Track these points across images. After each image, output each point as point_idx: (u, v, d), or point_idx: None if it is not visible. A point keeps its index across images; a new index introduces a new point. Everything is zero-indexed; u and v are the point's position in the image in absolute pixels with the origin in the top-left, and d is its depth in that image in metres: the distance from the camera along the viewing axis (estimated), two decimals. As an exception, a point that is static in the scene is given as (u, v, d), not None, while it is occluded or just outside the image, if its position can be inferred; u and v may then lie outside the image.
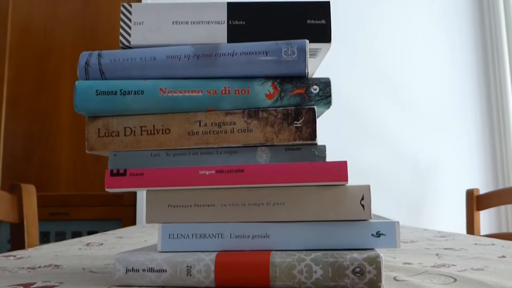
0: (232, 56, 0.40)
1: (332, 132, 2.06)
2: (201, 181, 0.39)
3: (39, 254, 0.64)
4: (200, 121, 0.40)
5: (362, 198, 0.38)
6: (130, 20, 0.43)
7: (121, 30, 0.42)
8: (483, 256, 0.54)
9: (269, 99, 0.40)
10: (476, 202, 1.30)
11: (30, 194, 0.97)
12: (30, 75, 2.12)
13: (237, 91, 0.40)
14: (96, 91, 0.40)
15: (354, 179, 1.97)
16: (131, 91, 0.40)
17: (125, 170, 0.40)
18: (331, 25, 0.42)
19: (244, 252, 0.38)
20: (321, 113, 0.42)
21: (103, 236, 0.96)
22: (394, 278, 0.41)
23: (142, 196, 1.99)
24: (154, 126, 0.40)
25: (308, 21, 0.42)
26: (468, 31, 2.22)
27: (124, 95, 0.40)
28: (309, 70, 0.40)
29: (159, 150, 0.41)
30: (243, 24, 0.42)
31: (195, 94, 0.40)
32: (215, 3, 0.43)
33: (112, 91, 0.40)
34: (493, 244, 0.67)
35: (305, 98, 0.40)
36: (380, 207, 2.00)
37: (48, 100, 2.10)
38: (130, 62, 0.40)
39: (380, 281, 0.35)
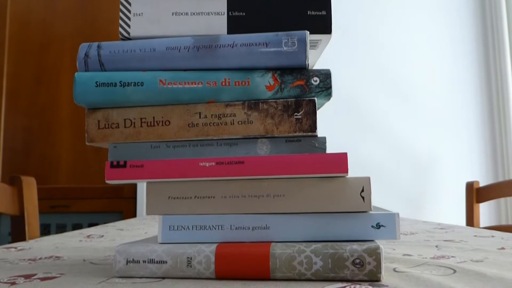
0: (232, 47, 0.40)
1: (333, 125, 2.06)
2: (201, 173, 0.39)
3: (40, 246, 0.64)
4: (200, 113, 0.40)
5: (362, 190, 0.38)
6: (129, 11, 0.42)
7: (120, 22, 0.42)
8: (482, 248, 0.55)
9: (269, 90, 0.39)
10: (476, 194, 1.30)
11: (30, 186, 0.97)
12: (29, 68, 2.12)
13: (237, 83, 0.39)
14: (96, 82, 0.40)
15: (354, 172, 1.97)
16: (131, 83, 0.40)
17: (125, 162, 0.40)
18: (332, 16, 0.42)
19: (244, 243, 0.38)
20: (321, 104, 0.42)
21: (104, 228, 0.96)
22: (394, 270, 0.41)
23: (142, 188, 1.99)
24: (154, 117, 0.40)
25: (308, 12, 0.42)
26: (469, 25, 2.21)
27: (124, 86, 0.40)
28: (309, 62, 0.40)
29: (159, 142, 0.41)
30: (243, 15, 0.42)
31: (195, 85, 0.40)
32: (215, -6, 0.42)
33: (112, 83, 0.40)
34: (492, 236, 0.67)
35: (306, 90, 0.39)
36: (380, 200, 2.01)
37: (48, 93, 2.10)
38: (129, 53, 0.40)
39: (380, 273, 0.36)
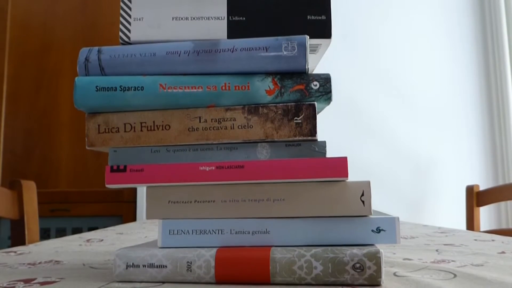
0: (232, 52, 0.40)
1: (332, 129, 2.06)
2: (201, 177, 0.39)
3: (40, 250, 0.64)
4: (200, 117, 0.40)
5: (362, 194, 0.38)
6: (130, 16, 0.42)
7: (120, 26, 0.42)
8: (483, 252, 0.55)
9: (269, 95, 0.40)
10: (476, 198, 1.30)
11: (30, 190, 0.97)
12: (30, 71, 2.12)
13: (237, 87, 0.40)
14: (96, 87, 0.40)
15: (354, 176, 1.97)
16: (131, 87, 0.40)
17: (125, 166, 0.40)
18: (332, 20, 0.42)
19: (244, 248, 0.38)
20: (321, 109, 0.42)
21: (104, 232, 0.96)
22: (394, 274, 0.41)
23: (142, 192, 1.99)
24: (154, 122, 0.40)
25: (308, 17, 0.42)
26: (468, 27, 2.21)
27: (124, 91, 0.40)
28: (309, 66, 0.40)
29: (159, 146, 0.41)
30: (243, 20, 0.42)
31: (195, 90, 0.40)
32: (215, -1, 0.42)
33: (112, 87, 0.40)
34: (493, 240, 0.67)
35: (305, 94, 0.40)
36: (380, 204, 2.00)
37: (48, 96, 2.10)
38: (129, 58, 0.40)
39: (380, 277, 0.35)
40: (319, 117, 0.41)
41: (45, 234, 1.97)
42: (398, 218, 0.38)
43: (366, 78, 2.14)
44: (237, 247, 0.38)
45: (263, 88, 0.40)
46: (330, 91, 0.40)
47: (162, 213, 0.40)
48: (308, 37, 0.40)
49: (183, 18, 0.42)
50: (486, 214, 2.06)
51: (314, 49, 0.44)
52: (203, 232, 0.39)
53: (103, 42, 2.10)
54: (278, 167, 0.38)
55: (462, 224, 1.90)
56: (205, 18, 0.42)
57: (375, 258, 0.36)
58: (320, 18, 0.42)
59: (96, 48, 0.41)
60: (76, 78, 0.41)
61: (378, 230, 0.38)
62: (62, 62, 2.12)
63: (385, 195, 2.04)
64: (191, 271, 0.37)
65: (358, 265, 0.36)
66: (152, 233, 0.94)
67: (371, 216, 0.38)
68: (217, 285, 0.37)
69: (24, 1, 2.16)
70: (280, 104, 0.39)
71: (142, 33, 0.42)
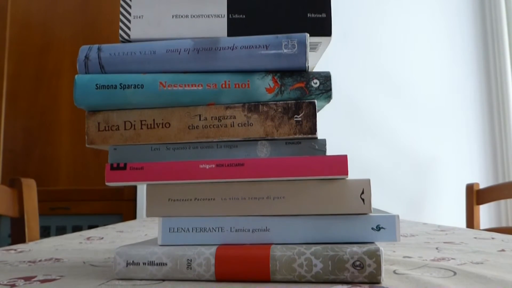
0: (232, 50, 0.40)
1: (333, 127, 2.06)
2: (201, 175, 0.39)
3: (40, 248, 0.64)
4: (200, 115, 0.40)
5: (362, 192, 0.38)
6: (129, 13, 0.42)
7: (120, 24, 0.42)
8: (482, 250, 0.55)
9: (269, 93, 0.40)
10: (476, 196, 1.30)
11: (30, 188, 0.97)
12: (29, 70, 2.12)
13: (237, 85, 0.40)
14: (96, 85, 0.40)
15: (354, 174, 1.96)
16: (131, 85, 0.40)
17: (125, 164, 0.40)
18: (332, 18, 0.42)
19: (244, 245, 0.38)
20: (321, 107, 0.42)
21: (104, 230, 0.96)
22: (394, 272, 0.41)
23: (142, 190, 1.99)
24: (154, 120, 0.40)
25: (308, 15, 0.42)
26: (469, 26, 2.21)
27: (124, 89, 0.40)
28: (309, 64, 0.40)
29: (159, 144, 0.41)
30: (243, 18, 0.42)
31: (195, 88, 0.40)
32: (215, -3, 0.42)
33: (112, 85, 0.40)
34: (492, 238, 0.67)
35: (306, 92, 0.39)
36: (380, 202, 2.01)
37: (48, 95, 2.10)
38: (129, 56, 0.40)
39: (380, 275, 0.36)
40: (319, 115, 0.41)
41: (45, 232, 1.97)
42: (398, 216, 0.38)
43: (366, 76, 2.14)
44: (237, 245, 0.38)
45: (263, 86, 0.40)
46: (330, 89, 0.40)
47: (162, 211, 0.40)
48: (308, 35, 0.40)
49: (183, 16, 0.42)
50: (486, 212, 2.06)
51: (314, 47, 0.44)
52: (203, 230, 0.39)
53: (103, 40, 2.10)
54: (278, 165, 0.38)
55: (462, 222, 1.90)
56: (205, 16, 0.42)
57: (375, 256, 0.36)
58: (320, 16, 0.42)
59: (96, 46, 0.41)
60: (76, 76, 0.41)
61: (378, 228, 0.38)
62: (62, 61, 2.12)
63: (385, 193, 2.04)
64: (191, 269, 0.37)
65: (358, 263, 0.36)
66: (152, 231, 0.94)
67: (371, 214, 0.38)
68: (217, 283, 0.37)
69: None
70: (280, 102, 0.39)
71: (142, 31, 0.42)
